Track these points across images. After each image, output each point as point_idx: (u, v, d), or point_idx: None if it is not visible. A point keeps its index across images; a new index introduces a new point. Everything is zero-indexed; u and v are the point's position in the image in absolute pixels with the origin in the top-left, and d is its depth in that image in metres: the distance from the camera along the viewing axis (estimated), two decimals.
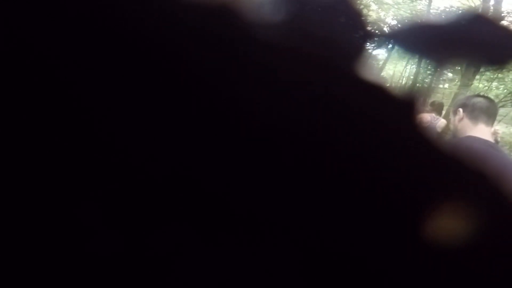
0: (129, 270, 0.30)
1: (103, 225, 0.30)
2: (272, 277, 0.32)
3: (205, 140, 0.32)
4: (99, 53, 0.32)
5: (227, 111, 0.33)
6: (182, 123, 0.32)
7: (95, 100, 0.31)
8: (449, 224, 0.32)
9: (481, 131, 2.80)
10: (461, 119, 2.89)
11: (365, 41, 0.44)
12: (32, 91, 0.30)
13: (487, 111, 2.86)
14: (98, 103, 0.31)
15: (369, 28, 0.45)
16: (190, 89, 0.33)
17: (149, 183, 0.31)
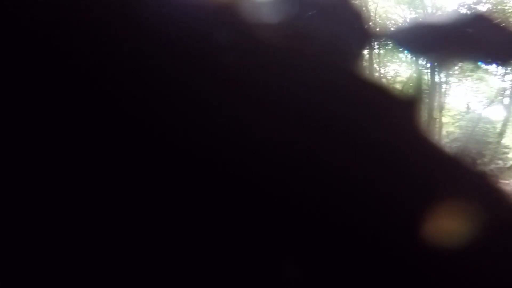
0: (125, 269, 0.30)
1: (97, 227, 0.30)
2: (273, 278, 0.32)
3: (202, 140, 0.32)
4: (97, 57, 0.32)
5: (226, 111, 0.33)
6: (180, 124, 0.32)
7: (86, 102, 0.31)
8: (449, 224, 0.32)
9: None
10: None
11: (365, 42, 0.44)
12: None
13: None
14: (90, 105, 0.31)
15: (369, 29, 0.45)
16: (187, 89, 0.33)
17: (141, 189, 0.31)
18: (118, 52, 0.32)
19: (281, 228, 0.33)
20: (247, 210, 0.32)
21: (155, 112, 0.32)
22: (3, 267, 0.29)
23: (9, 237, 0.29)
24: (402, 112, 0.37)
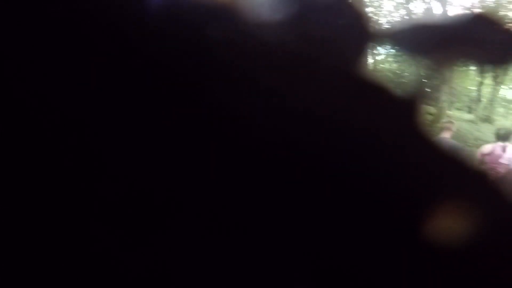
0: (129, 270, 0.30)
1: (103, 227, 0.30)
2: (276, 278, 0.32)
3: (200, 141, 0.32)
4: (98, 54, 0.32)
5: (225, 110, 0.33)
6: (178, 124, 0.32)
7: (93, 102, 0.31)
8: (449, 224, 0.32)
9: None
10: None
11: (365, 42, 0.44)
12: (28, 92, 0.30)
13: None
14: (96, 105, 0.31)
15: (369, 29, 0.45)
16: (187, 89, 0.33)
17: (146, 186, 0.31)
18: (116, 49, 0.33)
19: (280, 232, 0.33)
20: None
21: (151, 111, 0.32)
22: (3, 267, 0.29)
23: (8, 237, 0.29)
24: (403, 112, 0.37)
